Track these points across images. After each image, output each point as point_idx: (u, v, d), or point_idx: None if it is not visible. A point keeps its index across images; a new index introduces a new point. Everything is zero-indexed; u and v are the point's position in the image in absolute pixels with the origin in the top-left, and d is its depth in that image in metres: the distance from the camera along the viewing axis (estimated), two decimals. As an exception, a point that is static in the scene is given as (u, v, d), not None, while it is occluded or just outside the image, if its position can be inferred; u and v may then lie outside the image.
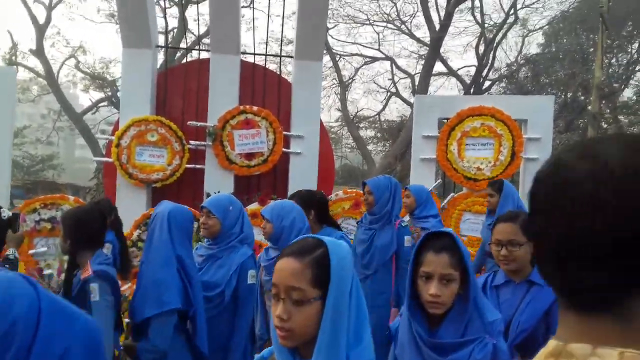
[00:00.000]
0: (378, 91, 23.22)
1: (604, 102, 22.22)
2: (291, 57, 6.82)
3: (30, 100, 25.66)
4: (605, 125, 21.97)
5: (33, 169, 29.98)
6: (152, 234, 2.69)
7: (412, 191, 4.55)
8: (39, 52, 20.15)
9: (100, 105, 23.41)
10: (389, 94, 22.57)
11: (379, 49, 21.45)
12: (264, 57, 7.11)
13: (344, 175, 24.46)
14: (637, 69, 22.77)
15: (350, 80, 22.13)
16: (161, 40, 9.23)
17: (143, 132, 6.16)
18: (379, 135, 23.90)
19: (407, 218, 4.41)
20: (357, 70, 22.06)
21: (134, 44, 6.21)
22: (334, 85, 21.61)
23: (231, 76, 6.39)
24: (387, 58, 21.37)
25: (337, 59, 20.85)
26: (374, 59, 21.66)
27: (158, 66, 7.06)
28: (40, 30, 19.84)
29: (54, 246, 5.64)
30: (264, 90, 6.61)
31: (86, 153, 29.16)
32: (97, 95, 24.63)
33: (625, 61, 22.15)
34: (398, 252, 3.85)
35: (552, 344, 0.70)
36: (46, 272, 5.54)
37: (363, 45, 22.21)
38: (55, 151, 30.68)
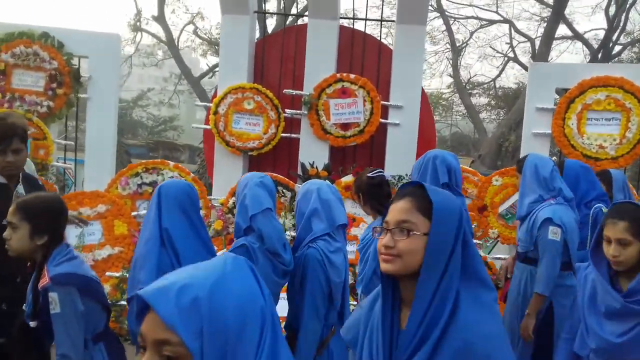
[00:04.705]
0: (494, 56, 21.85)
1: None
2: (393, 21, 6.38)
3: (153, 64, 27.20)
4: None
5: (156, 129, 32.02)
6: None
7: None
8: (160, 19, 21.09)
9: (216, 70, 24.23)
10: (505, 59, 21.17)
11: (496, 11, 20.04)
12: (363, 22, 6.70)
13: (453, 143, 23.55)
14: None
15: (464, 45, 20.98)
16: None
17: (240, 100, 6.13)
18: (493, 102, 22.60)
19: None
20: (472, 33, 20.85)
21: (232, 10, 6.13)
22: (447, 50, 20.61)
23: (329, 43, 6.12)
24: (506, 21, 19.93)
25: (450, 22, 19.78)
26: (491, 22, 20.30)
27: (257, 33, 6.96)
28: (161, -4, 20.71)
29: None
30: (363, 57, 6.27)
31: (205, 116, 30.60)
32: (214, 60, 25.52)
33: None
34: None
35: None
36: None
37: (479, 8, 20.90)
38: (176, 113, 32.45)
